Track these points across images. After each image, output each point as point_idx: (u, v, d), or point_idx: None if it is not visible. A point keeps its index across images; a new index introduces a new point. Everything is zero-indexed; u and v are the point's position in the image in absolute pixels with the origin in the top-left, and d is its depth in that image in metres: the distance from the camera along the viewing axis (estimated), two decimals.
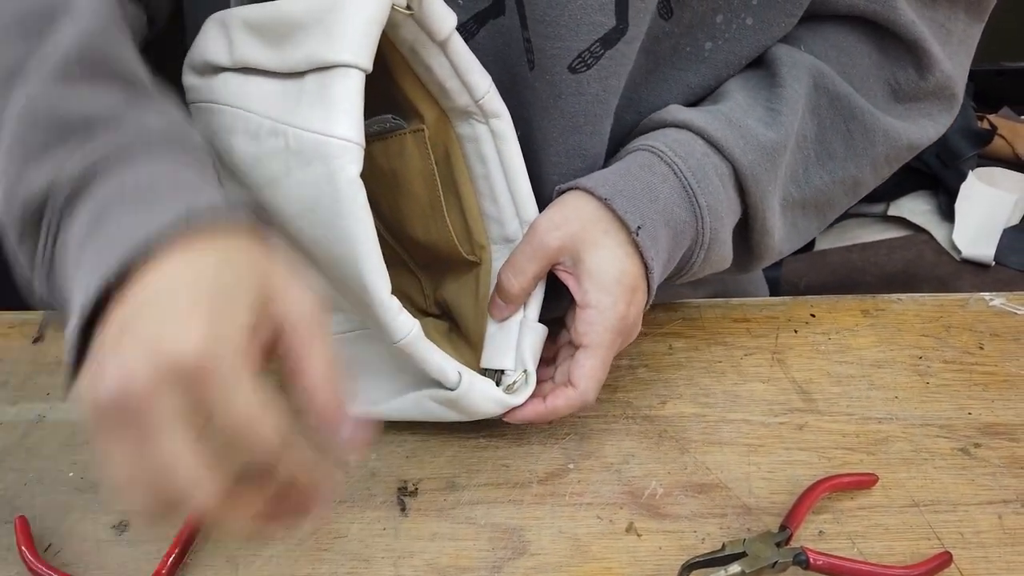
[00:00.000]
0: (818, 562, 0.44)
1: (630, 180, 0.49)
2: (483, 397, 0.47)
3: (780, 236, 0.56)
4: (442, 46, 0.45)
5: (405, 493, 0.51)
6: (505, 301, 0.50)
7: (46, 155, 0.35)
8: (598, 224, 0.48)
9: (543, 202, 0.51)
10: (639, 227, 0.48)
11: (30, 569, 0.46)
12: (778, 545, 0.44)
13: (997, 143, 1.42)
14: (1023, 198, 1.38)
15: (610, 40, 0.47)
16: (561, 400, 0.48)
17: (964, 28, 0.55)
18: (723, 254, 0.54)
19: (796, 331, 0.63)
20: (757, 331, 0.63)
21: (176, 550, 0.46)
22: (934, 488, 0.51)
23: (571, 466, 0.52)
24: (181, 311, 0.29)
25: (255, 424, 0.29)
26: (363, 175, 0.40)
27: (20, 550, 0.46)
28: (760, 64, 0.55)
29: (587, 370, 0.48)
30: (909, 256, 1.34)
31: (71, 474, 0.52)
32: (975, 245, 1.34)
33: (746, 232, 0.55)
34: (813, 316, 0.64)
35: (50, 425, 0.56)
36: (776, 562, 0.43)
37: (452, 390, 0.46)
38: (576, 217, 0.48)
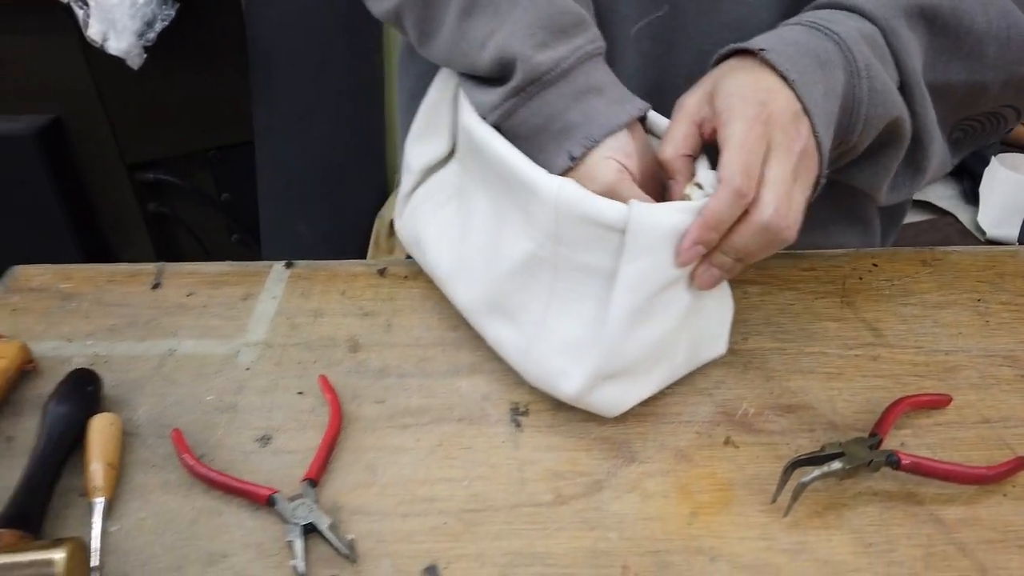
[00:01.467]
0: (907, 462, 0.48)
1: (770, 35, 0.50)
2: (662, 213, 0.47)
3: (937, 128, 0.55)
4: None
5: (518, 413, 0.56)
6: (667, 171, 0.50)
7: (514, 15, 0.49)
8: (734, 66, 0.49)
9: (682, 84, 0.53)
10: (762, 49, 0.48)
11: (193, 472, 0.50)
12: (871, 448, 0.49)
13: (1019, 130, 1.48)
14: None
15: None
16: (713, 201, 0.46)
17: None
18: (889, 91, 0.51)
19: (861, 278, 0.68)
20: (824, 278, 0.67)
21: (322, 454, 0.51)
22: (1003, 407, 0.55)
23: (667, 390, 0.57)
24: None
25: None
26: None
27: (180, 456, 0.51)
28: None
29: (726, 161, 0.46)
30: (937, 238, 1.38)
31: (209, 397, 0.57)
32: (999, 226, 1.39)
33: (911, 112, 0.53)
34: (875, 265, 0.69)
35: (181, 357, 0.61)
36: (871, 461, 0.48)
37: (621, 231, 0.46)
38: (710, 76, 0.50)
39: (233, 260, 0.71)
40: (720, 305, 0.56)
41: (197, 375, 0.59)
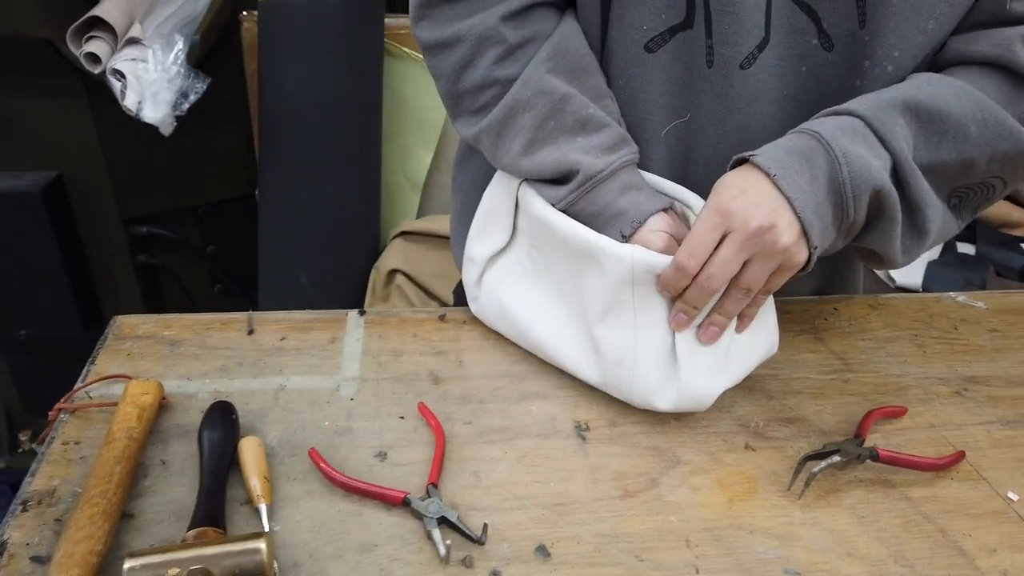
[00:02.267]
0: (884, 456, 0.65)
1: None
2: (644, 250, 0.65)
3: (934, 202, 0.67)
4: None
5: (582, 429, 0.70)
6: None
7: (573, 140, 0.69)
8: (735, 170, 0.65)
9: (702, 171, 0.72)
10: (753, 155, 0.63)
11: (334, 481, 0.62)
12: (858, 446, 0.65)
13: None
14: None
15: (762, 46, 0.68)
16: (665, 272, 0.63)
17: None
18: (867, 168, 0.62)
19: (826, 319, 0.85)
20: (799, 320, 0.85)
21: (436, 464, 0.63)
22: (943, 416, 0.73)
23: (695, 412, 0.72)
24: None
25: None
26: None
27: (320, 468, 0.63)
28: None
29: (684, 245, 0.62)
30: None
31: (326, 423, 0.69)
32: (906, 276, 1.63)
33: (904, 191, 0.65)
34: (836, 310, 0.87)
35: (292, 391, 0.72)
36: (859, 455, 0.64)
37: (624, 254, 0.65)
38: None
39: (216, 310, 0.82)
40: (765, 312, 0.71)
41: (311, 405, 0.70)
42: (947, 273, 1.65)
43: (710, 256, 0.62)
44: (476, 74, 0.72)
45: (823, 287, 0.90)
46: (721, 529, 0.61)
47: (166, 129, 1.21)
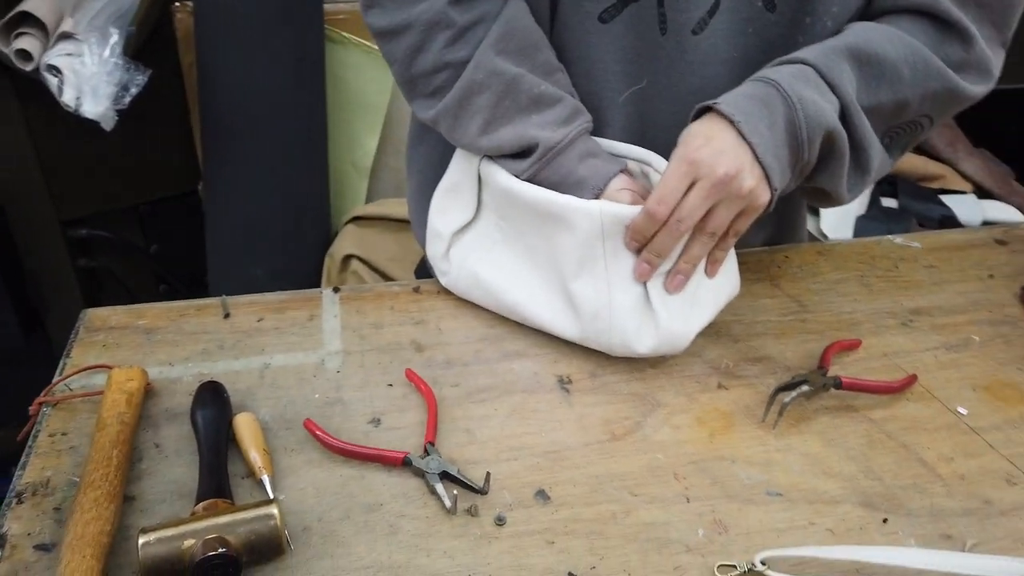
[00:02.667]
0: (846, 383, 0.70)
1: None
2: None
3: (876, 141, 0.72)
4: None
5: (564, 382, 0.72)
6: None
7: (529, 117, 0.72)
8: (700, 120, 0.68)
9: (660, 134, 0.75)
10: (716, 103, 0.66)
11: (332, 448, 0.63)
12: (823, 376, 0.70)
13: None
14: (868, 192, 1.77)
15: (712, 11, 0.71)
16: (637, 218, 0.66)
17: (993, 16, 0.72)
18: (820, 112, 0.67)
19: (779, 267, 0.90)
20: (755, 269, 0.90)
21: (431, 424, 0.65)
22: (893, 345, 0.79)
23: (668, 358, 0.75)
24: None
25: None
26: None
27: (318, 437, 0.64)
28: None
29: (655, 192, 0.66)
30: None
31: (316, 395, 0.70)
32: (837, 230, 1.71)
33: (850, 132, 0.70)
34: (787, 257, 0.92)
35: (277, 369, 0.73)
36: (824, 384, 0.69)
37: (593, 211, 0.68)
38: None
39: None
40: (727, 258, 0.75)
41: (298, 380, 0.71)
42: (874, 227, 1.74)
43: (678, 203, 0.66)
44: (428, 58, 0.74)
45: (773, 238, 0.95)
46: (705, 461, 0.65)
47: (107, 124, 1.18)
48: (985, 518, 0.60)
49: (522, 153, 0.74)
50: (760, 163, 0.66)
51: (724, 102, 0.68)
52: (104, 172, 1.51)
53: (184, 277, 1.71)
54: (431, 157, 0.89)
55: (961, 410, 0.71)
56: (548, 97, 0.73)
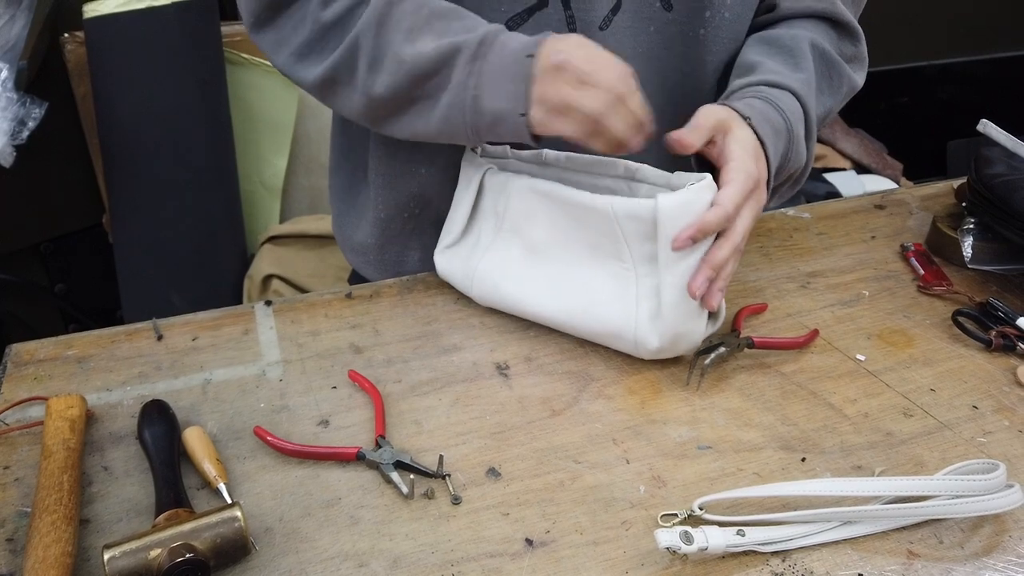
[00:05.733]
0: (758, 342, 0.76)
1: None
2: (677, 198, 0.67)
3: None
4: None
5: (502, 368, 0.76)
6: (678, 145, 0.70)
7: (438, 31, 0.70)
8: (738, 120, 0.73)
9: None
10: (748, 118, 0.73)
11: (285, 451, 0.65)
12: (736, 338, 0.76)
13: None
14: None
15: (616, 9, 0.77)
16: (709, 214, 0.67)
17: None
18: (802, 156, 0.79)
19: None
20: None
21: (379, 419, 0.68)
22: (795, 306, 0.86)
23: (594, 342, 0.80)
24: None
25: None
26: None
27: (267, 441, 0.65)
28: (774, 41, 0.81)
29: (730, 193, 0.68)
30: None
31: (261, 405, 0.71)
32: None
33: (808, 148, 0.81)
34: None
35: (219, 383, 0.73)
36: (739, 344, 0.75)
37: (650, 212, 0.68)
38: (728, 112, 0.73)
39: None
40: None
41: (241, 392, 0.72)
42: (768, 206, 1.86)
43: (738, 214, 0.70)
44: (340, 5, 0.73)
45: None
46: (639, 426, 0.70)
47: (6, 161, 1.15)
48: (888, 448, 0.67)
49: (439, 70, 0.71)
50: (767, 186, 0.75)
51: (754, 119, 0.73)
52: (1, 212, 1.45)
53: (94, 314, 1.65)
54: (358, 152, 0.91)
55: (859, 357, 0.78)
56: (460, 11, 0.73)
